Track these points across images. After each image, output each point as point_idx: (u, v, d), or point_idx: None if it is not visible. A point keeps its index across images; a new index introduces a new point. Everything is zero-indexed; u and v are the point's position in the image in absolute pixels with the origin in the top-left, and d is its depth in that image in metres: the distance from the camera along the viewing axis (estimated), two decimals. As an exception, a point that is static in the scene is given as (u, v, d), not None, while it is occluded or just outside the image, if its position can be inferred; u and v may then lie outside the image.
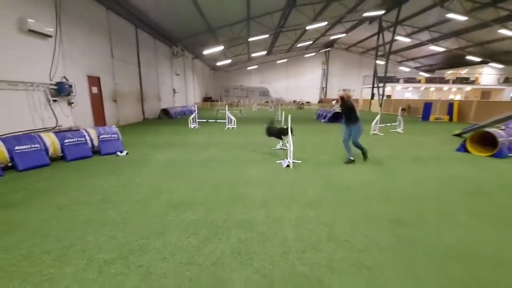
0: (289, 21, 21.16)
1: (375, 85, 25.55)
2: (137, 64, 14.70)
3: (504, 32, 19.40)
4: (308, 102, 35.78)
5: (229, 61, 29.64)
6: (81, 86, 9.73)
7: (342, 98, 5.71)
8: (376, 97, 25.88)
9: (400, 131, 11.30)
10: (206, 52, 20.45)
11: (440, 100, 18.45)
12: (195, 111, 12.24)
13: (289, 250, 2.59)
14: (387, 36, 24.69)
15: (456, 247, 2.69)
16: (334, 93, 39.94)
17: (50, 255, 2.49)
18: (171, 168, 5.51)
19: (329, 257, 2.48)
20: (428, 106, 16.84)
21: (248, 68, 38.03)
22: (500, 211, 3.59)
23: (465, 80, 29.12)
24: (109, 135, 6.73)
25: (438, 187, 4.51)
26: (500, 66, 27.75)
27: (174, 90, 21.00)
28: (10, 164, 5.19)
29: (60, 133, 6.11)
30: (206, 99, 33.56)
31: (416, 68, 39.28)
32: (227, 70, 38.51)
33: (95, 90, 10.78)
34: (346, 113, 5.85)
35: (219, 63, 29.64)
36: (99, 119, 11.00)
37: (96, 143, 6.53)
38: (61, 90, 8.27)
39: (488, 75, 29.16)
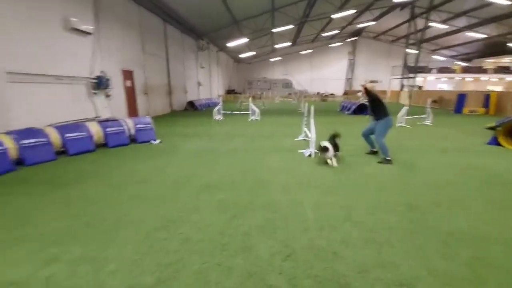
0: (315, 10, 20.78)
1: (405, 76, 24.44)
2: (165, 58, 15.40)
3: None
4: (332, 94, 35.06)
5: (253, 53, 29.78)
6: (116, 79, 10.51)
7: (365, 89, 5.53)
8: (405, 89, 24.80)
9: (428, 123, 10.94)
10: (230, 44, 20.76)
11: (476, 91, 17.30)
12: (219, 103, 12.68)
13: (308, 228, 2.88)
14: (420, 23, 23.35)
15: (464, 230, 2.82)
16: (359, 84, 38.57)
17: (107, 222, 2.98)
18: (199, 156, 5.97)
19: (344, 235, 2.73)
20: (461, 98, 15.93)
21: (271, 59, 37.88)
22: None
23: (506, 70, 26.81)
24: (144, 125, 7.34)
25: (458, 177, 4.52)
26: (550, 53, 25.17)
27: (199, 83, 21.67)
28: (62, 149, 5.93)
29: (102, 122, 6.80)
30: (229, 91, 34.10)
31: (452, 57, 36.70)
32: (250, 62, 38.66)
33: (128, 83, 11.56)
34: (371, 105, 5.50)
35: (242, 55, 29.90)
36: (132, 111, 11.81)
37: (132, 132, 7.16)
38: (100, 84, 9.04)
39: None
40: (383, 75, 37.06)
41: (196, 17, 16.88)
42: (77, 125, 6.29)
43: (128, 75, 11.51)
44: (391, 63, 36.38)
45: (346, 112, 15.10)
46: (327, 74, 39.07)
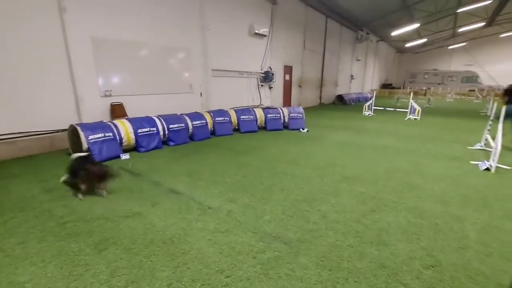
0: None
1: None
2: (322, 53, 16.00)
3: None
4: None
5: (423, 40, 25.11)
6: (278, 74, 12.17)
7: None
8: None
9: None
10: (395, 33, 18.55)
11: None
12: (371, 98, 11.88)
13: (467, 247, 2.46)
14: None
15: None
16: None
17: (263, 186, 3.83)
18: (344, 148, 6.08)
19: (525, 272, 2.13)
20: None
21: (450, 47, 30.29)
22: None
23: None
24: (297, 114, 8.23)
25: None
26: None
27: (351, 76, 20.96)
28: (236, 127, 7.78)
29: (265, 109, 8.26)
30: (385, 85, 30.64)
31: None
32: (417, 52, 32.74)
33: (287, 77, 13.07)
34: None
35: (409, 44, 25.87)
36: (287, 100, 13.33)
37: (286, 119, 8.22)
38: (267, 77, 10.84)
39: None
40: None
41: (358, 6, 16.23)
42: (248, 110, 8.01)
43: (288, 70, 12.99)
44: None
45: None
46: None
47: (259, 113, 8.00)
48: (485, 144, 6.01)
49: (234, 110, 7.92)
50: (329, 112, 13.17)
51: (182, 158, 5.22)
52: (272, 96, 11.97)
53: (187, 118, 6.63)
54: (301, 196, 3.50)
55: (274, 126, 7.99)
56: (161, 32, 7.18)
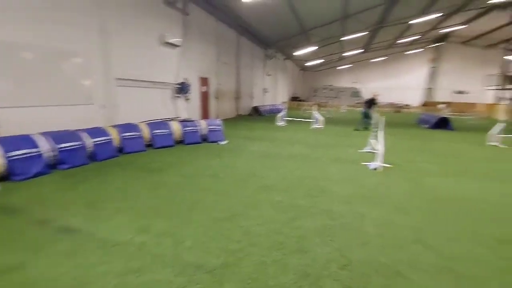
0: (393, 15, 19.34)
1: (503, 87, 20.52)
2: (236, 66, 16.59)
3: None
4: (407, 105, 31.75)
5: (320, 61, 29.42)
6: (194, 85, 11.86)
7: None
8: (504, 102, 20.79)
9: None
10: (297, 53, 21.05)
11: None
12: (283, 109, 12.97)
13: (368, 242, 2.80)
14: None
15: None
16: (442, 95, 33.99)
17: (182, 207, 3.50)
18: (262, 158, 6.30)
19: (411, 256, 2.56)
20: None
21: (339, 67, 36.65)
22: None
23: None
24: (215, 127, 8.12)
25: None
26: None
27: (264, 89, 22.53)
28: (150, 143, 7.05)
29: (182, 122, 7.82)
30: (294, 98, 34.29)
31: None
32: (316, 70, 38.19)
33: (204, 89, 12.89)
34: None
35: (309, 63, 29.82)
36: (205, 113, 13.10)
37: (205, 132, 8.00)
38: (183, 89, 10.38)
39: None
40: (474, 86, 31.88)
41: (266, 28, 17.71)
42: (163, 123, 7.40)
43: (204, 81, 12.84)
44: (486, 71, 31.01)
45: (426, 126, 13.50)
46: (403, 83, 35.56)
47: (176, 127, 7.50)
48: (372, 147, 7.31)
49: (147, 123, 7.18)
50: (246, 123, 13.64)
51: (79, 184, 4.30)
52: (190, 109, 11.53)
53: (85, 134, 5.57)
54: (223, 212, 3.35)
55: (192, 139, 7.63)
56: (51, 33, 5.93)
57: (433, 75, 34.45)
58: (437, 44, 32.67)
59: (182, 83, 10.38)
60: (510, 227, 3.23)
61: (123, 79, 7.90)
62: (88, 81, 6.92)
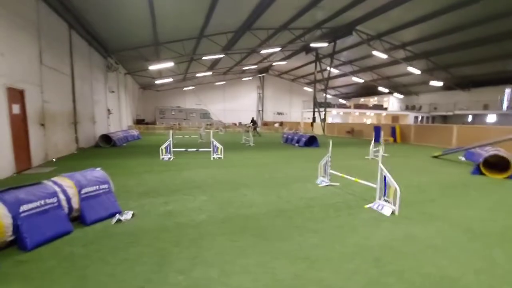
0: (240, 43, 20.65)
1: (316, 109, 27.53)
2: (70, 75, 10.94)
3: (410, 69, 24.11)
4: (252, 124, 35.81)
5: (169, 80, 26.78)
6: (-4, 102, 6.12)
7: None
8: (318, 121, 27.84)
9: (384, 154, 11.67)
10: (152, 67, 17.61)
11: (384, 124, 20.88)
12: (169, 139, 9.55)
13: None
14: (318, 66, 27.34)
15: None
16: (269, 116, 41.61)
17: None
18: (174, 237, 3.48)
19: None
20: (377, 130, 18.76)
21: (184, 88, 35.47)
22: None
23: (380, 107, 34.97)
24: (97, 186, 4.00)
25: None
26: (401, 96, 34.60)
27: (108, 110, 16.91)
28: None
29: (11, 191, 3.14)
30: (139, 121, 29.00)
31: (335, 95, 45.14)
32: (158, 90, 34.77)
33: (16, 109, 7.05)
34: None
35: (159, 81, 26.39)
36: (21, 151, 7.18)
37: (75, 205, 3.71)
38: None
39: (393, 103, 36.03)
40: (286, 108, 42.18)
41: (108, 27, 13.32)
42: None
43: (16, 96, 7.06)
44: (293, 98, 41.67)
45: (296, 144, 14.74)
46: (239, 105, 40.02)
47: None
48: (330, 180, 6.30)
49: None
50: (102, 162, 8.63)
51: None
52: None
53: None
54: None
55: (46, 228, 3.22)
56: None
57: (260, 100, 41.28)
58: (261, 75, 39.52)
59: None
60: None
61: None
62: None
